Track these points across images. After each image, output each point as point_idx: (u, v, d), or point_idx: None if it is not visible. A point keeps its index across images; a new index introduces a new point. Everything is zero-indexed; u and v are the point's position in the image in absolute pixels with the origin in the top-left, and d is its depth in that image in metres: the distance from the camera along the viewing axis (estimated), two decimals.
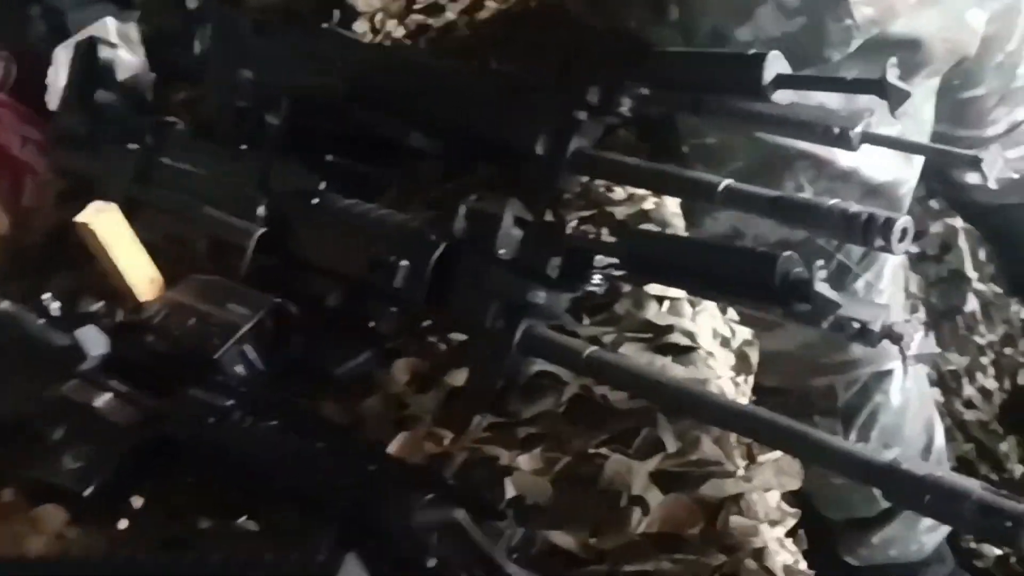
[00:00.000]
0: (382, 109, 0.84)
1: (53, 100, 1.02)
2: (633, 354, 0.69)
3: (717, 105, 0.73)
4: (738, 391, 0.75)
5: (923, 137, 0.96)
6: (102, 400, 0.66)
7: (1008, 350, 1.41)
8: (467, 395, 0.67)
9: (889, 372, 1.02)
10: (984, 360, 1.39)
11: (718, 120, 0.80)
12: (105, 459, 0.64)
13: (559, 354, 0.65)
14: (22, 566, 0.59)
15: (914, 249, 1.34)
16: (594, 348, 0.64)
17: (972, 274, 1.37)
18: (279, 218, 0.76)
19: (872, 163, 0.92)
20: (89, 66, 0.95)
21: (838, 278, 0.94)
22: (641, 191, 0.81)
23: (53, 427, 0.66)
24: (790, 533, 0.65)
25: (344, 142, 0.83)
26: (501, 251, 0.66)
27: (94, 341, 0.68)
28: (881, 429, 1.03)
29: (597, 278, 0.66)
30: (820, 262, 0.56)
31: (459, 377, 0.69)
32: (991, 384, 1.39)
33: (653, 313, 0.72)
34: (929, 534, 1.12)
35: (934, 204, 1.37)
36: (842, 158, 0.89)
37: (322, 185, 0.75)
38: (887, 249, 0.60)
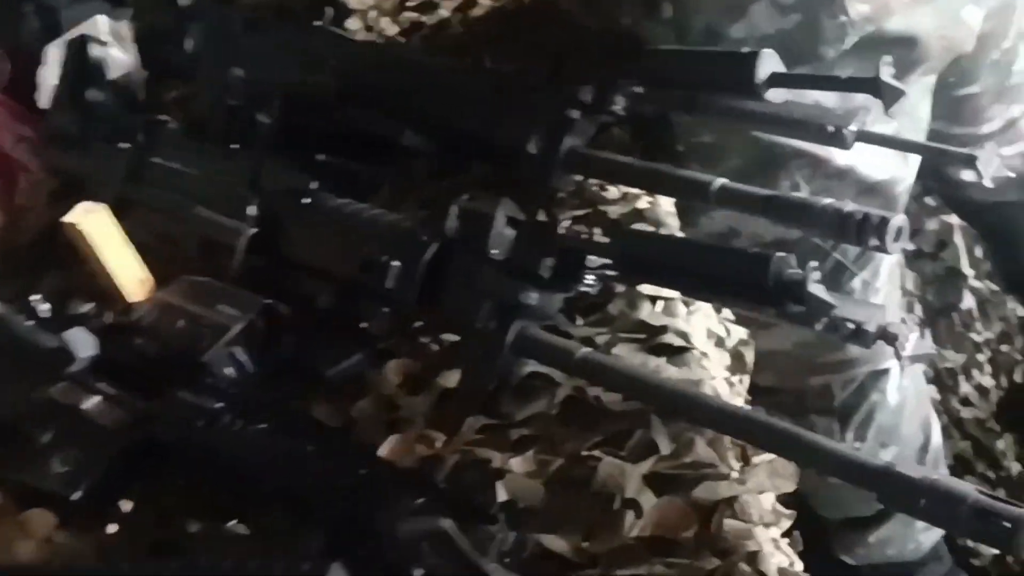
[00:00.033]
0: (375, 107, 0.83)
1: (44, 99, 1.02)
2: (627, 355, 0.68)
3: (711, 103, 0.72)
4: (733, 391, 0.74)
5: (919, 135, 0.96)
6: (90, 403, 0.65)
7: (1004, 347, 1.41)
8: (459, 397, 0.67)
9: (886, 371, 1.02)
10: (981, 357, 1.39)
11: (712, 119, 0.79)
12: (94, 462, 0.63)
13: (552, 355, 0.65)
14: (10, 571, 0.59)
15: (910, 246, 1.34)
16: (587, 349, 0.63)
17: (968, 271, 1.37)
18: (270, 218, 0.76)
19: (868, 161, 0.91)
20: (80, 64, 0.94)
21: (834, 277, 0.94)
22: (635, 190, 0.81)
23: (41, 430, 0.65)
24: (786, 534, 0.65)
25: (336, 141, 0.83)
26: (493, 251, 0.66)
27: (83, 343, 0.68)
28: (878, 428, 1.03)
29: (590, 278, 0.65)
30: (814, 263, 0.56)
31: (451, 378, 0.69)
32: (988, 382, 1.39)
33: (647, 313, 0.71)
34: (926, 533, 1.12)
35: (930, 201, 1.36)
36: (838, 156, 0.89)
37: (314, 184, 0.75)
38: (882, 249, 0.60)
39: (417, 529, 0.48)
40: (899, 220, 0.59)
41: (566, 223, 0.79)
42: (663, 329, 0.70)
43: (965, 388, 1.38)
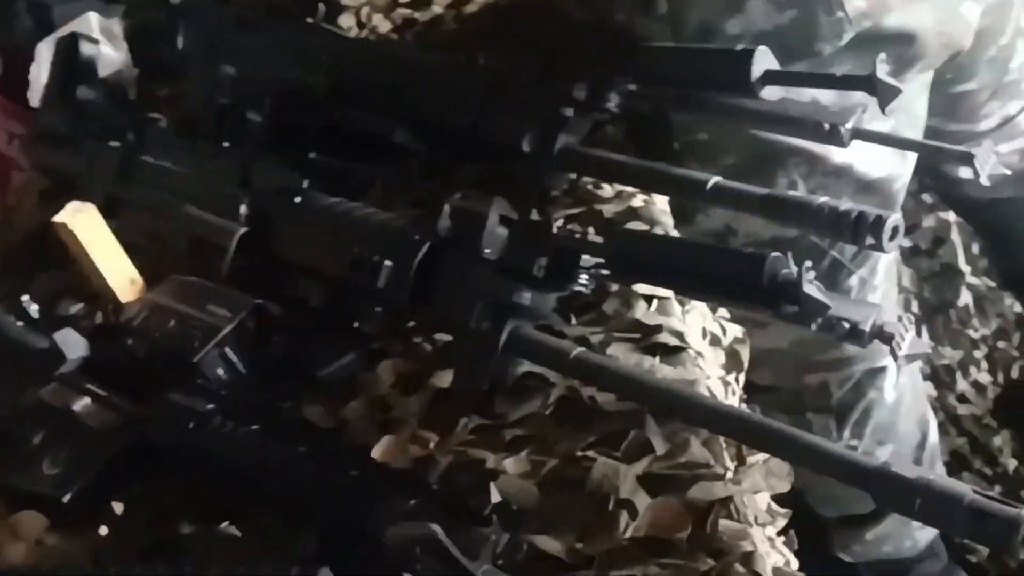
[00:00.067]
0: (367, 105, 0.83)
1: (35, 97, 1.02)
2: (621, 354, 0.68)
3: (706, 101, 0.72)
4: (728, 390, 0.74)
5: (916, 132, 0.95)
6: (81, 404, 0.65)
7: (1001, 344, 1.41)
8: (453, 397, 0.67)
9: (883, 369, 1.01)
10: (977, 354, 1.39)
11: (708, 116, 0.79)
12: (84, 464, 0.63)
13: (546, 355, 0.64)
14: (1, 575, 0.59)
15: (906, 243, 1.34)
16: (581, 349, 0.63)
17: (965, 268, 1.37)
18: (261, 217, 0.75)
19: (866, 159, 0.91)
20: (71, 62, 0.94)
21: (832, 275, 0.93)
22: (629, 188, 0.80)
23: (31, 432, 0.65)
24: (782, 532, 0.65)
25: (328, 139, 0.82)
26: (486, 250, 0.65)
27: (73, 344, 0.67)
28: (875, 426, 1.03)
29: (584, 278, 0.65)
30: (808, 263, 0.55)
31: (445, 378, 0.68)
32: (984, 378, 1.39)
33: (641, 312, 0.71)
34: (923, 530, 1.12)
35: (927, 198, 1.36)
36: (835, 154, 0.89)
37: (305, 183, 0.74)
38: (878, 247, 0.59)
39: (407, 534, 0.47)
40: (895, 219, 0.59)
41: (560, 221, 0.78)
42: (658, 328, 0.70)
43: (962, 385, 1.38)
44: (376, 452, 0.64)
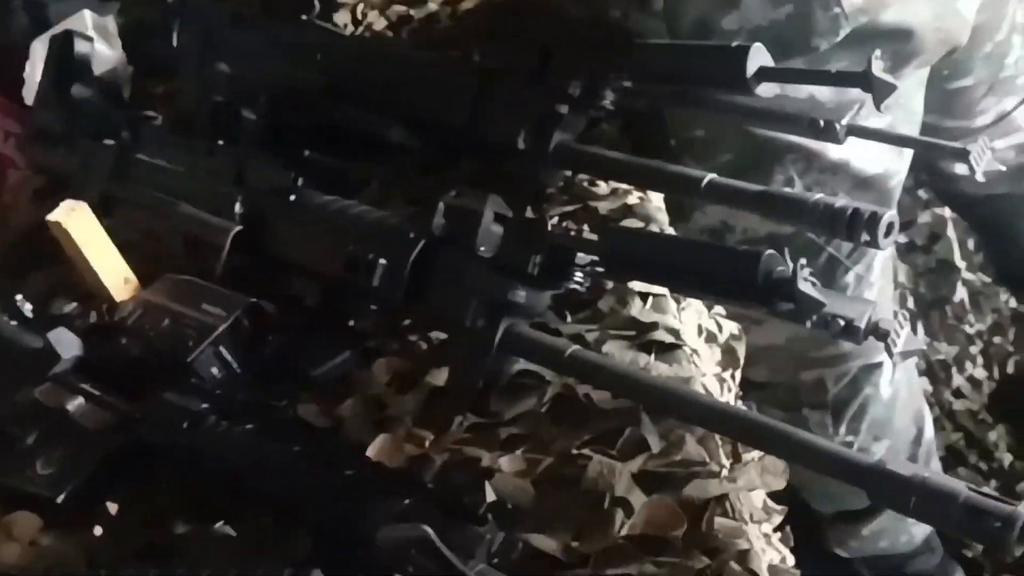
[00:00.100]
0: (362, 103, 0.83)
1: (30, 95, 1.01)
2: (617, 352, 0.68)
3: (701, 98, 0.72)
4: (724, 387, 0.74)
5: (913, 128, 0.95)
6: (75, 404, 0.65)
7: (997, 339, 1.41)
8: (448, 395, 0.66)
9: (879, 365, 1.01)
10: (973, 349, 1.39)
11: (703, 113, 0.79)
12: (78, 464, 0.62)
13: (541, 353, 0.64)
14: None
15: (902, 239, 1.34)
16: (576, 347, 0.63)
17: (961, 264, 1.37)
18: (256, 215, 0.75)
19: (863, 155, 0.91)
20: (65, 60, 0.93)
21: (828, 271, 0.93)
22: (625, 186, 0.80)
23: (25, 432, 0.64)
24: (778, 529, 0.65)
25: (323, 137, 0.82)
26: (481, 248, 0.65)
27: (67, 343, 0.67)
28: (871, 421, 1.03)
29: (579, 275, 0.65)
30: (803, 260, 0.55)
31: (440, 377, 0.68)
32: (980, 373, 1.39)
33: (637, 310, 0.71)
34: (919, 525, 1.12)
35: (922, 194, 1.36)
36: (832, 150, 0.89)
37: (300, 181, 0.74)
38: (873, 244, 0.59)
39: (399, 536, 0.47)
40: (890, 215, 0.59)
41: (555, 219, 0.78)
42: (653, 326, 0.69)
43: (957, 380, 1.38)
44: (371, 451, 0.64)
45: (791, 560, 0.64)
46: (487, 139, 0.77)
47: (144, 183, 0.82)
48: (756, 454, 0.63)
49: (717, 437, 0.62)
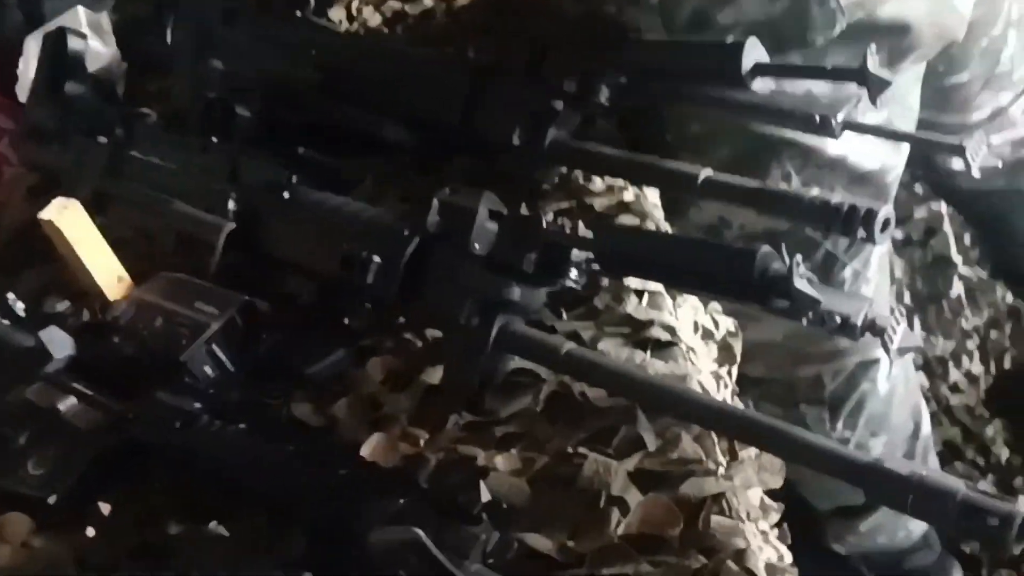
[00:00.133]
0: (357, 99, 0.82)
1: (23, 91, 1.01)
2: (612, 349, 0.68)
3: (696, 94, 0.71)
4: (721, 384, 0.74)
5: (910, 123, 0.95)
6: (67, 403, 0.64)
7: (994, 334, 1.40)
8: (443, 393, 0.66)
9: (876, 360, 1.01)
10: (970, 344, 1.39)
11: (699, 109, 0.78)
12: (71, 464, 0.62)
13: (536, 351, 0.64)
14: None
15: (898, 234, 1.34)
16: (572, 345, 0.62)
17: (957, 259, 1.37)
18: (250, 212, 0.75)
19: (859, 150, 0.91)
20: (58, 57, 0.93)
21: (825, 267, 0.93)
22: (620, 182, 0.80)
23: (17, 432, 0.64)
24: (775, 526, 0.64)
25: (317, 134, 0.82)
26: (476, 246, 0.65)
27: (59, 342, 0.67)
28: (868, 417, 1.03)
29: (575, 272, 0.64)
30: (799, 257, 0.55)
31: (435, 375, 0.68)
32: (977, 368, 1.39)
33: (633, 307, 0.70)
34: (916, 521, 1.11)
35: (918, 189, 1.36)
36: (829, 146, 0.88)
37: (294, 178, 0.74)
38: (869, 240, 0.59)
39: (391, 538, 0.47)
40: (886, 211, 0.59)
41: (551, 216, 0.78)
42: (649, 323, 0.69)
43: (954, 375, 1.38)
44: (366, 450, 0.64)
45: (788, 557, 0.64)
46: (482, 136, 0.77)
47: (137, 180, 0.82)
48: (753, 452, 0.63)
49: (713, 435, 0.62)
